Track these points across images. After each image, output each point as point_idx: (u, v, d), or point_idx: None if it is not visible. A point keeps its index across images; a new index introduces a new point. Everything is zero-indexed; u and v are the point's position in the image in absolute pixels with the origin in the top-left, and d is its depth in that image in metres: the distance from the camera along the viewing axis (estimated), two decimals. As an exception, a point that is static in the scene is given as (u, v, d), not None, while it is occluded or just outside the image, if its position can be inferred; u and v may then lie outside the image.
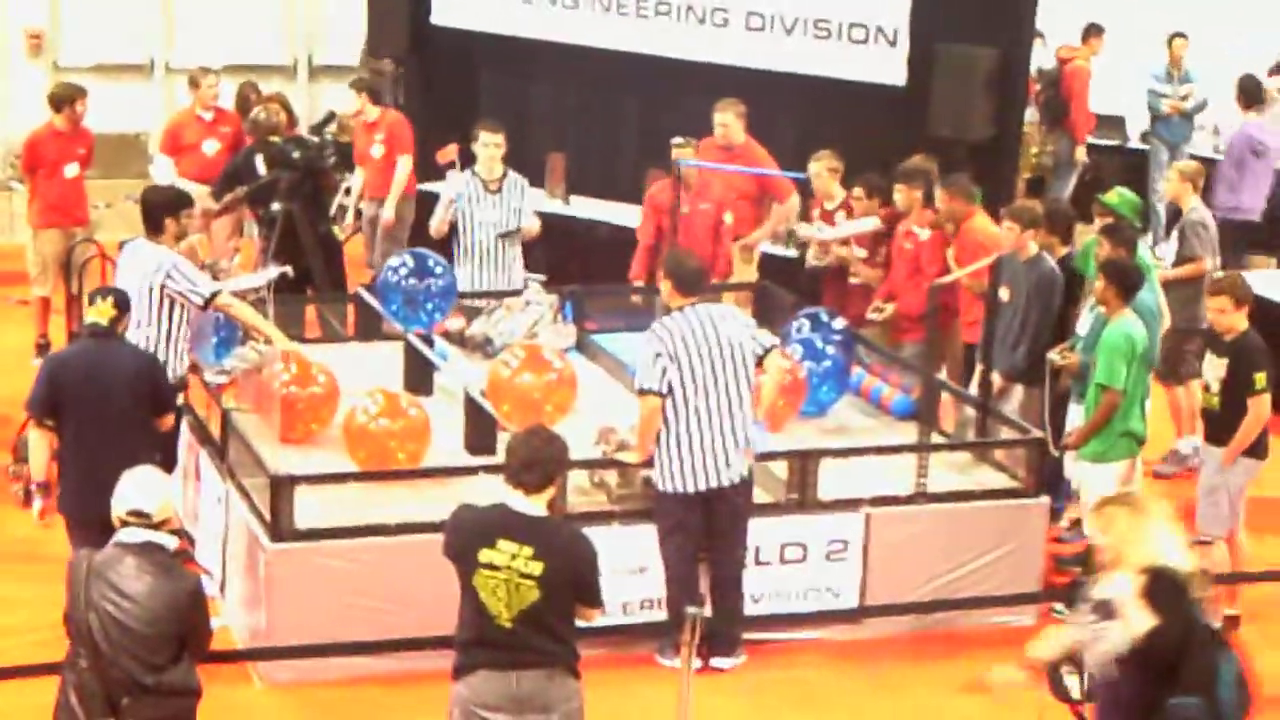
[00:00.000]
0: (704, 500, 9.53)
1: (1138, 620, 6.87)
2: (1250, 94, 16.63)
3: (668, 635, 9.37)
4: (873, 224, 12.38)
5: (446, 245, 12.83)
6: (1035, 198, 14.50)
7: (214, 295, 10.25)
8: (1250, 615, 10.39)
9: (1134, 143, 19.44)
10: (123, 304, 9.26)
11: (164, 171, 14.93)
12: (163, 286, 10.09)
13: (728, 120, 13.45)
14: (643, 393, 9.50)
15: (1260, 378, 10.09)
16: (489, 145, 12.67)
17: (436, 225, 12.80)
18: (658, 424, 9.49)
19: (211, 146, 14.96)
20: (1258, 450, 10.28)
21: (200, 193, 14.13)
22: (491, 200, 12.71)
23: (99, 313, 9.13)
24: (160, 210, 10.31)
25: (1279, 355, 10.51)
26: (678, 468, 9.50)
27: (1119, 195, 12.01)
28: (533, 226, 12.88)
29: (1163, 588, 6.91)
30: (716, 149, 13.49)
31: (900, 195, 12.21)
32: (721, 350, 9.49)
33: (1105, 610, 7.09)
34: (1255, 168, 16.34)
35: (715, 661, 9.68)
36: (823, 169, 12.75)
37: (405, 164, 15.03)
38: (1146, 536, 7.04)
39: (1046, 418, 10.82)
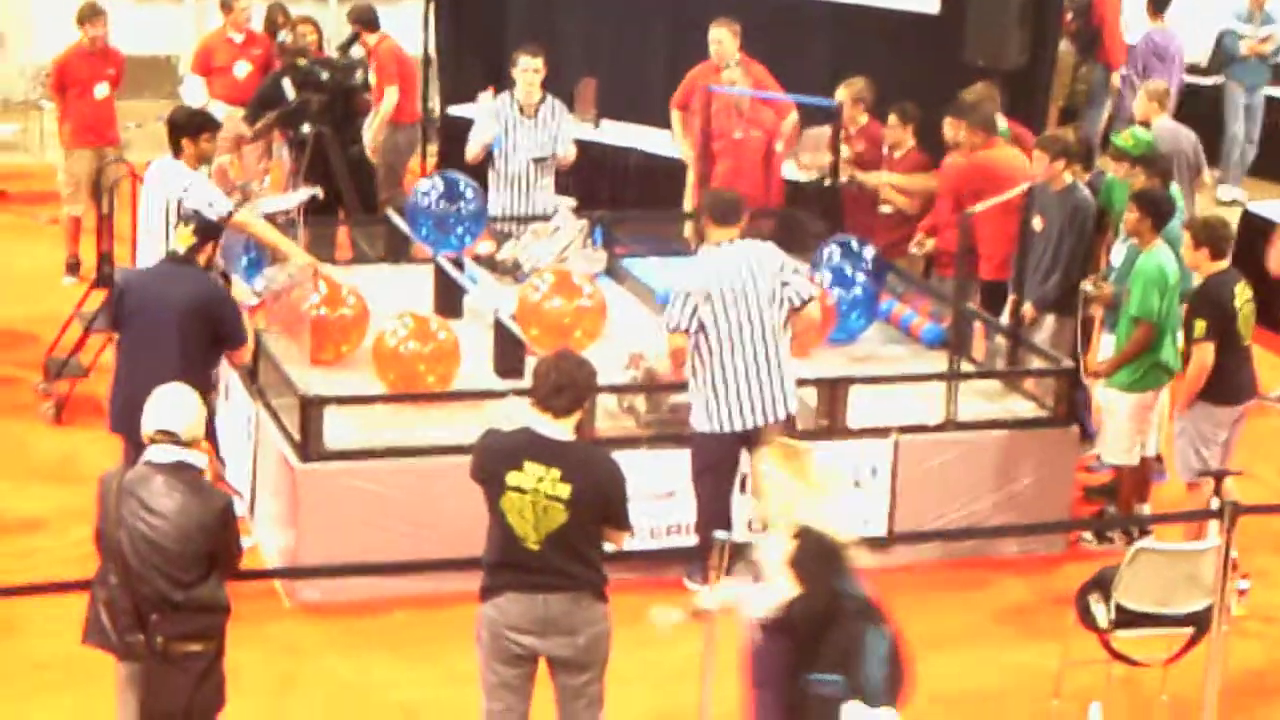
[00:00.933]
0: (743, 439, 9.47)
1: (781, 587, 6.47)
2: None
3: (696, 560, 9.38)
4: (933, 182, 12.21)
5: (479, 169, 12.79)
6: (1067, 127, 14.40)
7: (229, 213, 10.28)
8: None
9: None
10: (204, 231, 9.32)
11: (195, 92, 14.91)
12: (179, 202, 10.11)
13: (722, 37, 13.33)
14: (670, 330, 9.43)
15: (1199, 325, 9.94)
16: (528, 70, 12.58)
17: (473, 153, 12.75)
18: (683, 362, 9.45)
19: (243, 69, 14.92)
20: (1216, 395, 10.02)
21: (232, 115, 14.16)
22: (528, 125, 12.67)
23: (180, 239, 9.26)
24: (177, 131, 10.40)
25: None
26: (715, 408, 9.44)
27: (1132, 137, 11.93)
28: (569, 155, 12.84)
29: (810, 555, 6.51)
30: (713, 69, 13.41)
31: (950, 128, 12.08)
32: (759, 289, 9.38)
33: (755, 572, 6.73)
34: None
35: (694, 587, 9.49)
36: (849, 97, 12.65)
37: (391, 95, 14.90)
38: (802, 497, 6.61)
39: (1080, 347, 10.78)
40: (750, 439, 9.38)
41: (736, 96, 12.92)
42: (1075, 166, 11.28)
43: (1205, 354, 9.93)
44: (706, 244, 9.57)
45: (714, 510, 9.55)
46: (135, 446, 8.60)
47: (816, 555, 6.51)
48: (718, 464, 9.56)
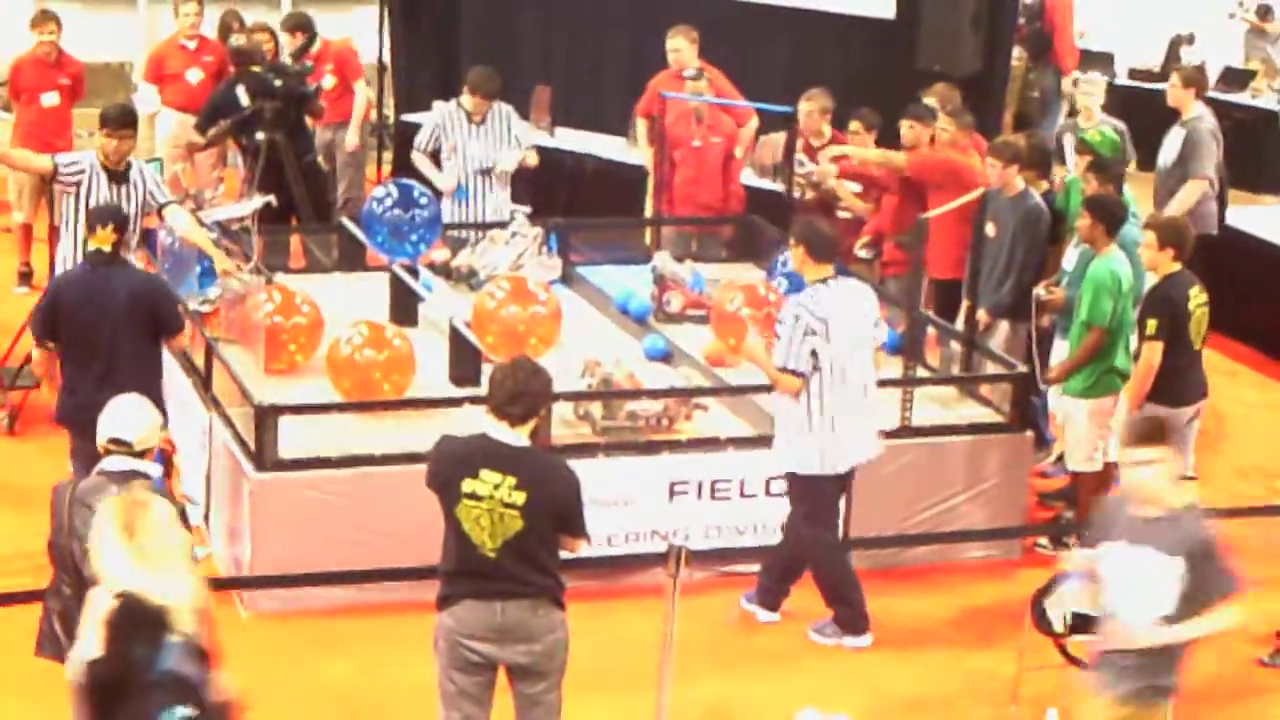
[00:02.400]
0: (840, 480, 9.43)
1: (89, 645, 5.92)
2: None
3: (768, 589, 9.60)
4: (901, 159, 12.20)
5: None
6: (1019, 133, 14.45)
7: (167, 204, 10.54)
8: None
9: (1121, 80, 19.36)
10: (121, 226, 9.35)
11: (148, 100, 14.85)
12: (86, 201, 10.35)
13: (680, 45, 13.42)
14: (785, 371, 9.18)
15: (1151, 323, 9.97)
16: (482, 103, 12.72)
17: (422, 141, 12.84)
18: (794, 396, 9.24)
19: (195, 75, 14.86)
20: (1165, 395, 10.03)
21: (184, 122, 14.12)
22: (475, 130, 12.67)
23: (100, 240, 9.23)
24: (116, 125, 10.64)
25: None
26: (826, 450, 9.25)
27: (1099, 133, 11.97)
28: (530, 159, 12.87)
29: (122, 618, 5.90)
30: (673, 76, 13.46)
31: (910, 131, 12.11)
32: (863, 330, 9.32)
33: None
34: None
35: (760, 615, 9.69)
36: (814, 109, 12.67)
37: (362, 89, 14.92)
38: (125, 558, 5.95)
39: (1034, 353, 10.81)
40: (843, 481, 9.42)
41: (695, 104, 12.94)
42: (1029, 173, 11.31)
43: (1153, 353, 9.97)
44: (808, 280, 9.29)
45: (827, 552, 9.46)
46: (86, 445, 8.65)
47: (128, 620, 5.95)
48: (828, 505, 9.44)
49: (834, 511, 9.49)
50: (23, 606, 7.47)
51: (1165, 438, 7.24)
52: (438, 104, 12.97)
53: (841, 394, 9.23)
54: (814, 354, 9.10)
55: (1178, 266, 10.08)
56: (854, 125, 12.53)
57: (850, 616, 9.49)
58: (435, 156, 12.89)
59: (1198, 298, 10.09)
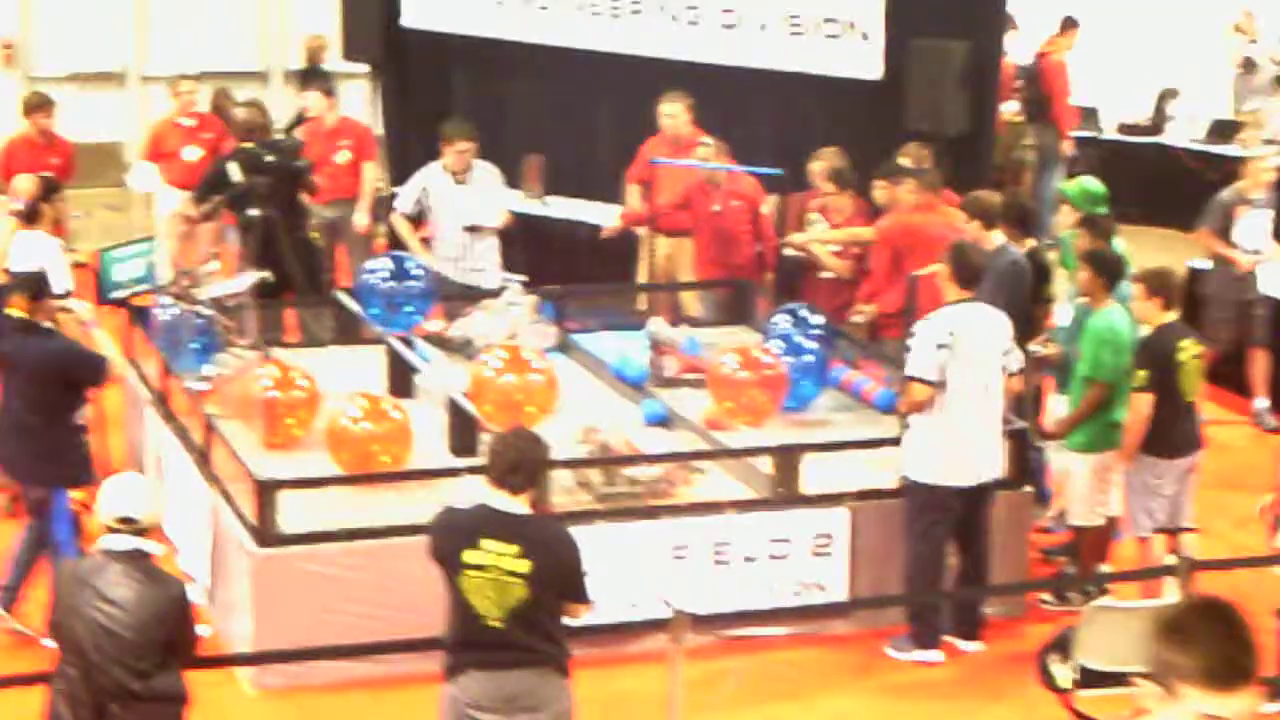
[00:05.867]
0: (960, 495, 9.72)
1: None
2: None
3: (912, 624, 9.84)
4: (869, 233, 12.30)
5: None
6: (999, 190, 14.50)
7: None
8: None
9: (1109, 134, 19.48)
10: (36, 293, 9.57)
11: (146, 178, 14.92)
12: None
13: (674, 112, 13.55)
14: (914, 380, 9.65)
15: (1140, 375, 10.00)
16: (461, 153, 12.80)
17: (403, 205, 13.04)
18: (917, 410, 9.70)
19: (193, 153, 14.94)
20: (1157, 447, 10.08)
21: (184, 200, 14.19)
22: (458, 189, 12.78)
23: (15, 306, 9.51)
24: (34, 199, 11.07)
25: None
26: (939, 459, 9.67)
27: (1078, 185, 12.03)
28: (501, 220, 12.96)
29: None
30: (666, 142, 13.55)
31: (882, 192, 12.20)
32: (994, 351, 9.71)
33: None
34: None
35: (961, 645, 9.95)
36: (825, 168, 12.73)
37: (371, 170, 14.99)
38: None
39: (1030, 408, 10.83)
40: (968, 497, 9.67)
41: (709, 171, 13.03)
42: (1009, 230, 11.26)
43: (1143, 404, 9.98)
44: (948, 300, 9.80)
45: (927, 568, 9.79)
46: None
47: None
48: (934, 518, 9.75)
49: (945, 528, 9.79)
50: (26, 689, 7.45)
51: None
52: (425, 167, 13.08)
53: (968, 409, 9.63)
54: (943, 367, 9.55)
55: (1169, 316, 10.10)
56: (827, 186, 12.59)
57: (926, 632, 9.83)
58: (419, 223, 12.97)
59: (1189, 349, 10.11)
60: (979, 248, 10.41)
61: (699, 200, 13.15)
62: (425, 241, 13.12)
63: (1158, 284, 10.11)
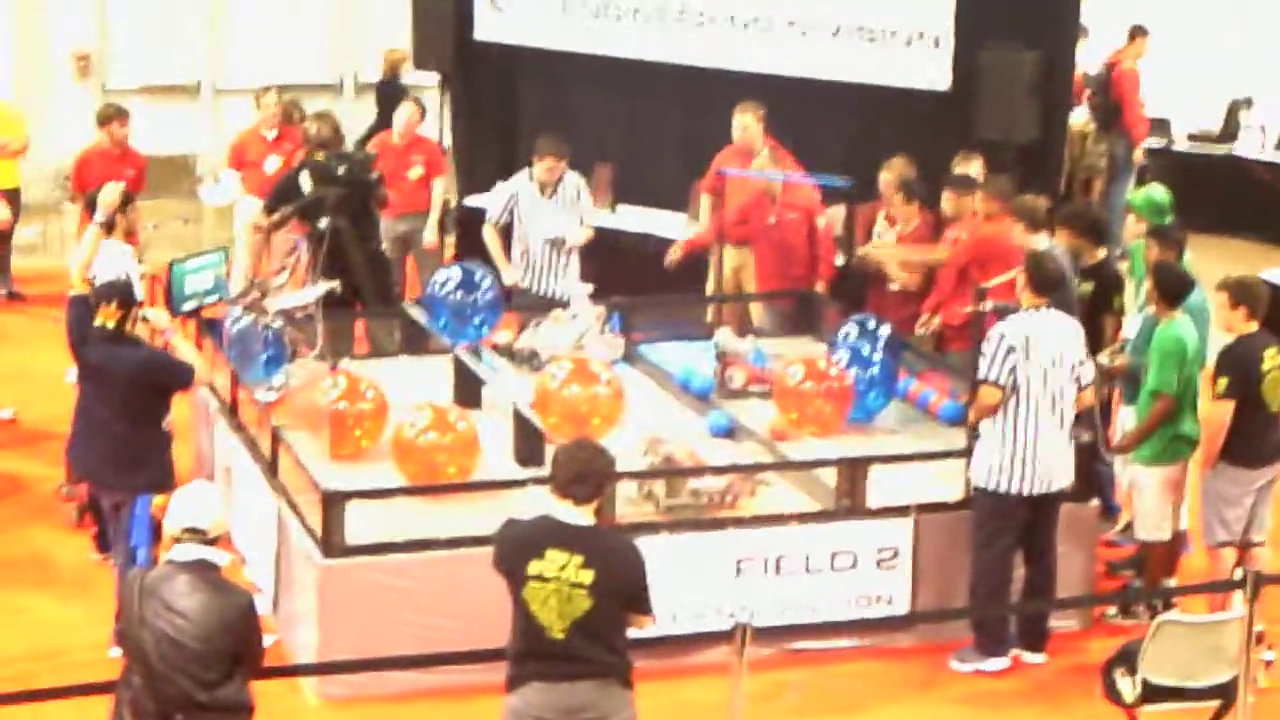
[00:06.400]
0: (1027, 503, 9.76)
1: None
2: None
3: (980, 639, 9.87)
4: (942, 253, 12.30)
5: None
6: (1069, 199, 14.45)
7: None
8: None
9: (1180, 144, 19.36)
10: (126, 301, 9.65)
11: (230, 188, 15.04)
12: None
13: (747, 123, 13.53)
14: (985, 383, 9.71)
15: (1221, 382, 9.95)
16: (550, 169, 12.97)
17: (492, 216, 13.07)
18: (988, 414, 9.77)
19: (273, 164, 15.06)
20: (1238, 456, 10.03)
21: (258, 208, 14.32)
22: (546, 203, 12.83)
23: (105, 316, 9.57)
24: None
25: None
26: (1004, 466, 9.73)
27: (1144, 195, 11.97)
28: (585, 236, 13.00)
29: None
30: (737, 153, 13.56)
31: (948, 203, 12.18)
32: (1066, 360, 9.75)
33: None
34: None
35: (1026, 656, 9.96)
36: (893, 178, 12.72)
37: (440, 185, 15.06)
38: None
39: (1099, 421, 10.77)
40: (1035, 505, 9.70)
41: (766, 182, 13.03)
42: (1082, 243, 11.19)
43: (1223, 411, 9.93)
44: (1024, 306, 9.88)
45: (991, 576, 9.82)
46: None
47: None
48: (999, 525, 9.79)
49: (1013, 536, 9.81)
50: (98, 697, 7.52)
51: None
52: (514, 177, 13.18)
53: (1038, 416, 9.66)
54: (1014, 371, 9.59)
55: (1253, 326, 10.05)
56: (897, 196, 12.57)
57: (991, 642, 9.85)
58: (507, 233, 13.06)
59: (1274, 359, 10.03)
60: (1055, 256, 10.38)
61: (756, 212, 13.15)
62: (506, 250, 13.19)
63: (1241, 294, 10.06)
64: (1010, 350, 9.65)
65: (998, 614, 9.85)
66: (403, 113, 15.12)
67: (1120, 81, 18.02)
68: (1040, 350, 9.69)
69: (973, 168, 12.65)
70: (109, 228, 11.11)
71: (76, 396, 10.07)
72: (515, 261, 13.10)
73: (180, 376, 9.82)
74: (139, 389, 9.60)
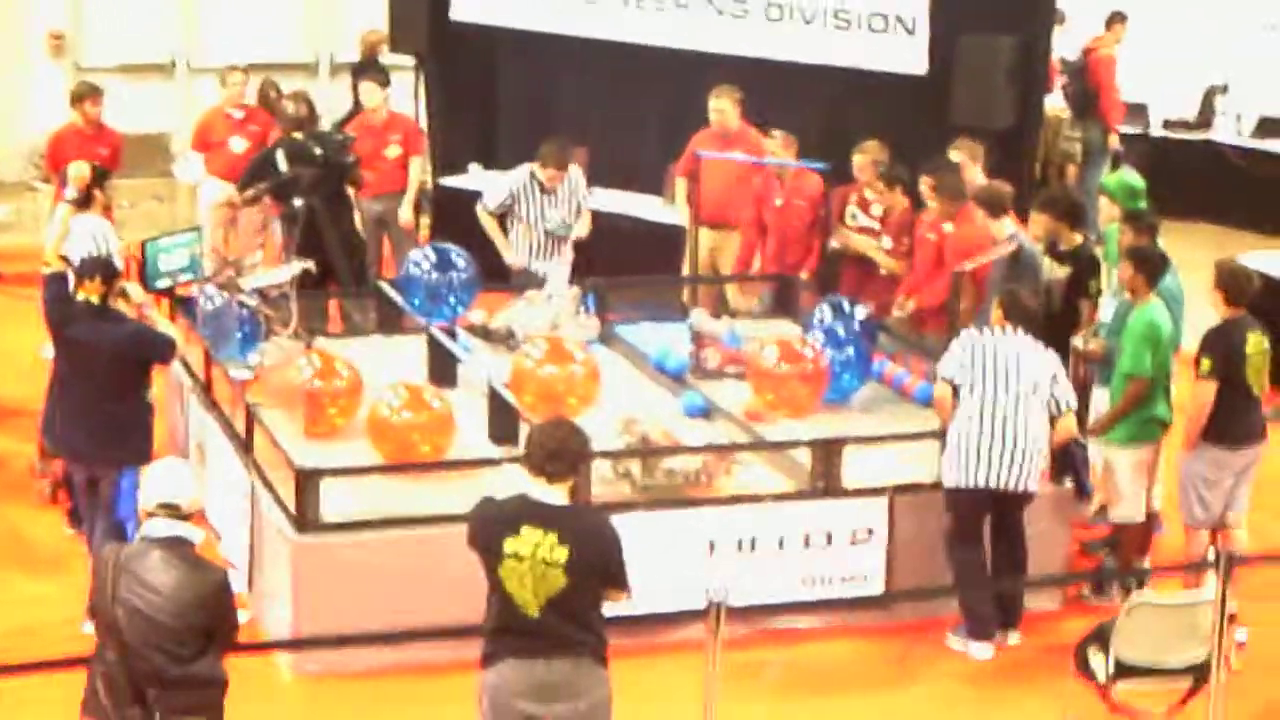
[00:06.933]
0: (990, 498, 9.84)
1: None
2: None
3: (969, 623, 9.96)
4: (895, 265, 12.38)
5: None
6: (1044, 185, 14.46)
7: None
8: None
9: (1156, 130, 19.41)
10: (107, 277, 9.65)
11: (194, 168, 14.99)
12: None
13: (723, 107, 13.60)
14: (940, 379, 9.99)
15: (1205, 363, 9.99)
16: (550, 178, 13.00)
17: (493, 205, 13.07)
18: (945, 412, 9.97)
19: (239, 144, 15.00)
20: (1218, 436, 10.07)
21: (228, 190, 14.26)
22: (547, 199, 12.82)
23: (89, 291, 9.55)
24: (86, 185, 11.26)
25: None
26: (961, 460, 9.79)
27: (1118, 179, 12.01)
28: (583, 232, 13.10)
29: None
30: (713, 136, 13.59)
31: (926, 188, 12.18)
32: (1022, 370, 9.79)
33: None
34: None
35: (1000, 635, 10.03)
36: (867, 161, 12.73)
37: (418, 165, 15.01)
38: None
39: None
40: (998, 500, 9.79)
41: (778, 166, 13.05)
42: (1061, 227, 11.22)
43: (1205, 392, 9.96)
44: (994, 323, 9.98)
45: (965, 568, 9.92)
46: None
47: None
48: (968, 521, 9.89)
49: (974, 528, 9.90)
50: (71, 671, 7.50)
51: None
52: (474, 168, 13.13)
53: (987, 414, 9.72)
54: (969, 369, 9.79)
55: (1237, 312, 10.08)
56: (879, 185, 12.58)
57: (978, 627, 9.91)
58: (501, 219, 13.14)
59: (1257, 343, 10.06)
60: (1034, 293, 10.41)
61: (763, 192, 13.18)
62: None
63: (1223, 279, 10.10)
64: (970, 350, 9.80)
65: (977, 597, 9.86)
66: (365, 92, 14.98)
67: (1097, 68, 18.04)
68: (1002, 360, 9.77)
69: (974, 154, 12.59)
70: (82, 203, 11.09)
71: (52, 373, 10.04)
72: (516, 245, 13.09)
73: (163, 349, 9.84)
74: (124, 363, 9.61)
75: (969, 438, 9.75)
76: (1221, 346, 10.01)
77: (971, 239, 11.57)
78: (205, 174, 14.92)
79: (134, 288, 10.51)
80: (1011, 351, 9.81)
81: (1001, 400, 9.72)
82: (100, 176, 11.29)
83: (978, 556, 9.93)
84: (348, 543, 9.46)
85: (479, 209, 13.22)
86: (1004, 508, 9.90)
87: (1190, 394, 10.14)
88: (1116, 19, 18.39)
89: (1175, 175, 17.55)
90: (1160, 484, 10.81)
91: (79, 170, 11.27)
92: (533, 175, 12.99)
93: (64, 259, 10.50)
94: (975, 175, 12.39)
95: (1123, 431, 10.36)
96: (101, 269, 9.63)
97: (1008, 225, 11.15)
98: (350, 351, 11.38)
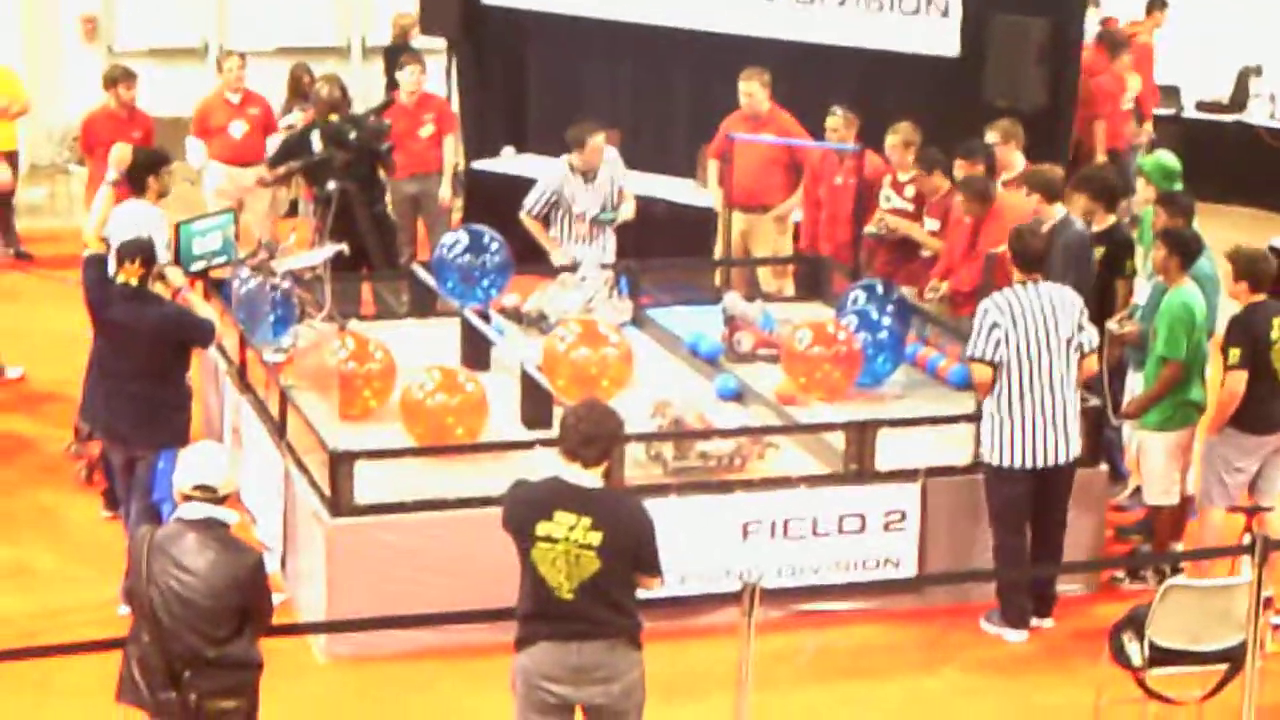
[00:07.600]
0: (1033, 476, 9.76)
1: None
2: None
3: (1004, 608, 9.93)
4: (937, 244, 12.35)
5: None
6: (1076, 166, 14.36)
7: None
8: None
9: (1189, 112, 19.31)
10: (147, 260, 9.65)
11: (196, 153, 15.01)
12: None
13: (752, 89, 13.56)
14: (973, 360, 9.73)
15: (1233, 353, 9.95)
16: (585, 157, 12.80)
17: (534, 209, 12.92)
18: (986, 391, 9.77)
19: (239, 128, 15.03)
20: (1245, 422, 10.04)
21: (231, 175, 14.42)
22: (588, 187, 12.78)
23: (128, 274, 9.54)
24: (141, 170, 11.02)
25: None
26: (1005, 441, 9.73)
27: (1154, 161, 11.95)
28: (628, 214, 13.00)
29: None
30: (745, 119, 13.57)
31: (960, 171, 12.14)
32: (1060, 331, 9.70)
33: None
34: None
35: (1034, 621, 9.99)
36: (899, 141, 12.70)
37: (452, 144, 15.02)
38: None
39: (1107, 386, 10.76)
40: (1041, 477, 9.72)
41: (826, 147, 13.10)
42: (1096, 207, 11.18)
43: (1236, 382, 9.93)
44: (1014, 281, 9.85)
45: (1005, 549, 9.88)
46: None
47: None
48: (1012, 503, 9.83)
49: (1019, 511, 9.84)
50: (107, 653, 7.53)
51: None
52: (506, 152, 13.07)
53: (1037, 390, 9.65)
54: (1001, 346, 9.61)
55: (1260, 297, 10.04)
56: (918, 171, 12.53)
57: (1014, 613, 9.88)
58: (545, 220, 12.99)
59: None
60: (1038, 231, 10.34)
61: (825, 168, 13.18)
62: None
63: (1245, 267, 10.05)
64: (994, 326, 9.65)
65: (1011, 581, 9.85)
66: (404, 74, 15.01)
67: (1135, 54, 17.92)
68: (1029, 324, 9.66)
69: (1011, 136, 12.54)
70: (136, 189, 11.01)
71: (91, 355, 10.07)
72: (562, 240, 12.94)
73: (202, 332, 9.85)
74: (162, 345, 9.62)
75: (1014, 414, 9.68)
76: (1247, 334, 9.97)
77: (1005, 221, 11.52)
78: (207, 159, 14.97)
79: (175, 272, 10.55)
80: (1039, 310, 9.69)
81: (1042, 371, 9.64)
82: (158, 162, 11.19)
83: (1020, 542, 9.90)
84: (381, 525, 9.48)
85: (521, 215, 13.03)
86: (1050, 482, 9.83)
87: (1221, 383, 10.11)
88: (1157, 5, 18.21)
89: (1208, 157, 17.44)
90: (1194, 468, 10.76)
91: (121, 153, 11.27)
92: (571, 166, 12.89)
93: (104, 241, 10.51)
94: (1013, 156, 12.35)
95: (1157, 415, 10.33)
96: (141, 252, 9.64)
97: (1059, 209, 11.09)
98: (383, 334, 11.39)
